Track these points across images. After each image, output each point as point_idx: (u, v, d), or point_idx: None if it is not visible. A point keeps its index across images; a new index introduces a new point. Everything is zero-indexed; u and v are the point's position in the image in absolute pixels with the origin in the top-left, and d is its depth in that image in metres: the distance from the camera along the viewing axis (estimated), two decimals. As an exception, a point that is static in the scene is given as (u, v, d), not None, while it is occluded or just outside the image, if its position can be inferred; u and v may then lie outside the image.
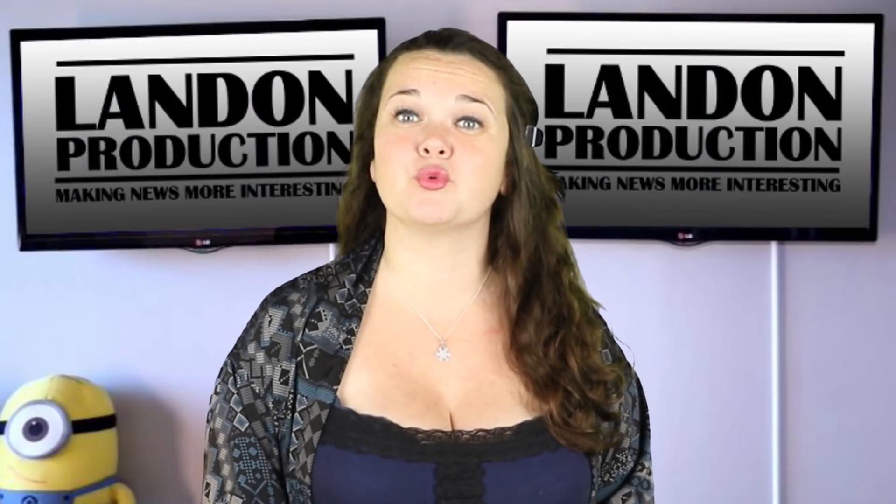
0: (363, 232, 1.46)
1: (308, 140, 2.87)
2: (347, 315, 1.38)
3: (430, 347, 1.39)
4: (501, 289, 1.42)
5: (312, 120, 2.87)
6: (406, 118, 1.34)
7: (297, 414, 1.34)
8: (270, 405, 1.35)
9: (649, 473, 1.49)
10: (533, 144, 1.41)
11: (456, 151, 1.32)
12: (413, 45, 1.39)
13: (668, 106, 2.88)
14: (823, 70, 2.89)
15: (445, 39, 1.37)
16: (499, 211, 1.41)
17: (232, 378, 1.38)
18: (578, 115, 2.88)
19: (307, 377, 1.35)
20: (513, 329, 1.39)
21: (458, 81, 1.34)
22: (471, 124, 1.34)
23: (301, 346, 1.36)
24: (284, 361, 1.36)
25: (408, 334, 1.39)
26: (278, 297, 1.40)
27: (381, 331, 1.39)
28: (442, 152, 1.31)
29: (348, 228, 1.46)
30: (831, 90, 2.89)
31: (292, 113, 2.87)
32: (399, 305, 1.40)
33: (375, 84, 1.40)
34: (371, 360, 1.36)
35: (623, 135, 2.88)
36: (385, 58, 1.43)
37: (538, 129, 1.42)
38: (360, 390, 1.34)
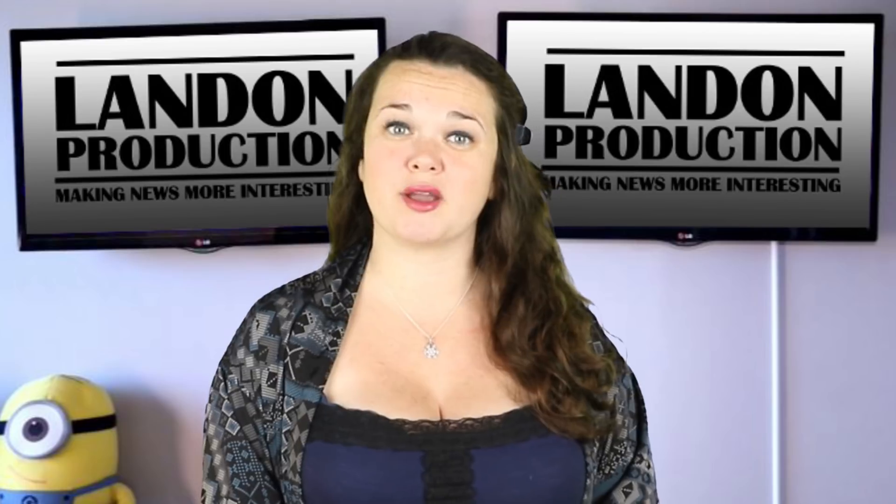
0: (353, 232, 1.47)
1: (308, 140, 2.87)
2: (333, 318, 1.39)
3: (418, 345, 1.40)
4: (487, 290, 1.42)
5: (312, 120, 2.87)
6: (397, 130, 1.35)
7: (285, 415, 1.34)
8: (260, 408, 1.36)
9: (649, 466, 1.49)
10: (521, 143, 1.42)
11: (446, 167, 1.33)
12: (405, 52, 1.38)
13: (668, 106, 2.88)
14: (823, 70, 2.89)
15: (438, 50, 1.36)
16: (486, 215, 1.42)
17: (223, 384, 1.39)
18: (578, 115, 2.88)
19: (293, 378, 1.36)
20: (494, 330, 1.40)
21: (449, 97, 1.34)
22: (461, 139, 1.35)
23: (287, 348, 1.37)
24: (272, 364, 1.37)
25: (395, 333, 1.40)
26: (265, 302, 1.42)
27: (368, 331, 1.40)
28: (433, 168, 1.32)
29: (338, 228, 1.47)
30: (831, 90, 2.89)
31: (292, 113, 2.87)
32: (386, 306, 1.42)
33: (366, 88, 1.40)
34: (358, 360, 1.38)
35: (623, 135, 2.88)
36: (376, 61, 1.43)
37: (526, 128, 1.43)
38: (347, 387, 1.35)
